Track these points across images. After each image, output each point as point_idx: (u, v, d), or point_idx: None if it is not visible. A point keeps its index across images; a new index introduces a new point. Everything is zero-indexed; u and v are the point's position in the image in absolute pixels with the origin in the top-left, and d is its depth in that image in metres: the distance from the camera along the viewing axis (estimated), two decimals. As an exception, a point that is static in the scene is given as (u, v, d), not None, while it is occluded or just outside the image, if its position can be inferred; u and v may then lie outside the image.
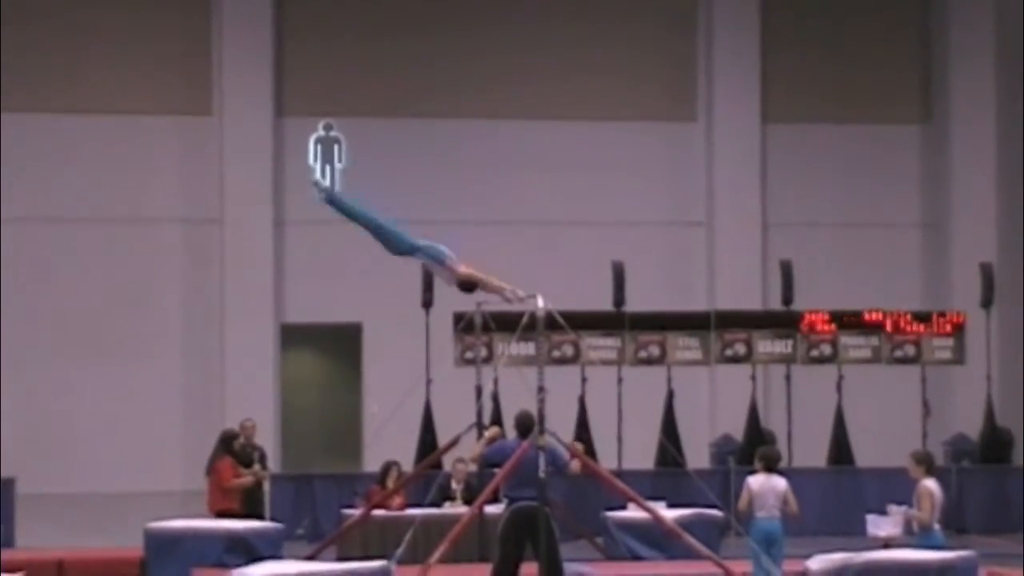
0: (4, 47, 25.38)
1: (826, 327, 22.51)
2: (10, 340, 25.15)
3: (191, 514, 17.30)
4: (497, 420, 20.80)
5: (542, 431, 12.77)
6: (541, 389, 12.86)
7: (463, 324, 19.16)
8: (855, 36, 27.87)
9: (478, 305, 15.70)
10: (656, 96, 27.50)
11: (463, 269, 12.56)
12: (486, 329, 19.17)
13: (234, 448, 17.81)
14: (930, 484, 13.13)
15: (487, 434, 14.19)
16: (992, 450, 23.21)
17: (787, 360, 22.72)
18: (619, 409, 22.08)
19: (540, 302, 12.96)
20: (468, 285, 12.60)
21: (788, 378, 22.96)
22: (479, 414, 18.18)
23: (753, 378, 22.94)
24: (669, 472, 21.09)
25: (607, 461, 20.77)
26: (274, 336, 26.26)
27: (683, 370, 22.98)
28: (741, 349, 22.50)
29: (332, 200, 12.91)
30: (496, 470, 13.55)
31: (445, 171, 26.70)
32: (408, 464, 20.11)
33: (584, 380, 22.13)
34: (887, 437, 22.98)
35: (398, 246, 12.62)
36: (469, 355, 20.75)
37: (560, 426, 14.22)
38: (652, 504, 16.04)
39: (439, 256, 12.61)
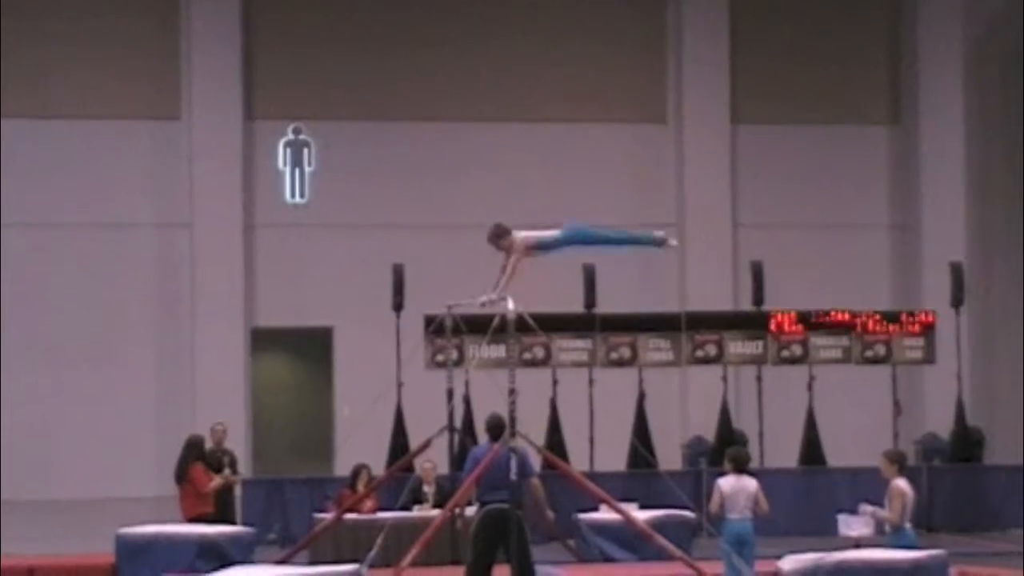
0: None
1: (796, 328, 22.56)
2: (-21, 346, 25.08)
3: (163, 519, 17.22)
4: (468, 423, 20.83)
5: (513, 433, 12.77)
6: (512, 391, 12.86)
7: (434, 327, 19.09)
8: (824, 37, 27.88)
9: (448, 308, 15.67)
10: (625, 98, 27.48)
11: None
12: (457, 332, 19.15)
13: (204, 453, 17.78)
14: (902, 483, 13.14)
15: None
16: (962, 449, 23.28)
17: (758, 361, 22.77)
18: (591, 411, 22.10)
19: (511, 304, 12.96)
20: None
21: (759, 379, 23.00)
22: (450, 417, 18.15)
23: (724, 379, 22.98)
24: (641, 473, 21.13)
25: (579, 463, 20.78)
26: (245, 340, 26.15)
27: (654, 371, 23.01)
28: (712, 350, 22.53)
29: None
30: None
31: (415, 174, 26.63)
32: (380, 467, 20.10)
33: (555, 382, 22.14)
34: (858, 437, 23.05)
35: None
36: (440, 358, 20.72)
37: (532, 428, 14.22)
38: (624, 505, 16.07)
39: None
